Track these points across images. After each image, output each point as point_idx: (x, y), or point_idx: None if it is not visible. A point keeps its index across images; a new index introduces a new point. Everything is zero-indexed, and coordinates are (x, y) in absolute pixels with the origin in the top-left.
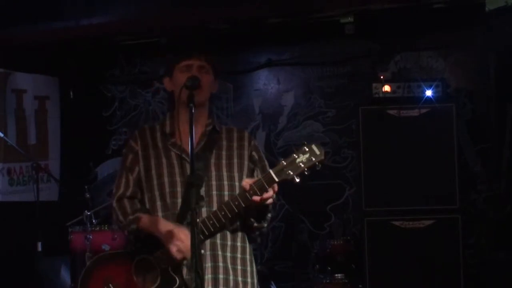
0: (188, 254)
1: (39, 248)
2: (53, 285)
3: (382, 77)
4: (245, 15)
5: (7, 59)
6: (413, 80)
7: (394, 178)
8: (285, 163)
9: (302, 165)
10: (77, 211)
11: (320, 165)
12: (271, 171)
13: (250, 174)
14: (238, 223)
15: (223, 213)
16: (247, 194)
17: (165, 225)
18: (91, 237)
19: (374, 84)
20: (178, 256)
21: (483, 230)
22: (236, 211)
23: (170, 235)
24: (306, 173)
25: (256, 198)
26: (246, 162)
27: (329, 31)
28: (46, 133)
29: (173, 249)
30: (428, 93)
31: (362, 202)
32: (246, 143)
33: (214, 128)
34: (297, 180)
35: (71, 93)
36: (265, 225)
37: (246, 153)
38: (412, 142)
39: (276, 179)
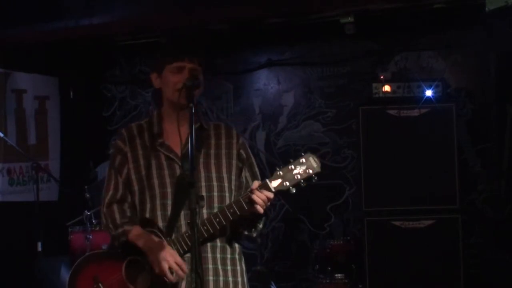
0: (172, 276)
1: (39, 248)
2: (53, 285)
3: (382, 77)
4: (245, 15)
5: (7, 59)
6: (413, 80)
7: (394, 178)
8: (281, 173)
9: (299, 177)
10: (77, 211)
11: (316, 177)
12: (268, 181)
13: (239, 173)
14: (227, 226)
15: (217, 219)
16: (243, 203)
17: (151, 244)
18: (91, 237)
19: (374, 84)
20: (160, 274)
21: (483, 230)
22: (231, 219)
23: (156, 256)
24: (302, 184)
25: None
26: (234, 162)
27: (329, 31)
28: (46, 133)
29: (156, 269)
30: (428, 93)
31: (362, 202)
32: (234, 141)
33: (201, 126)
34: (293, 191)
35: (71, 93)
36: (255, 235)
37: (234, 152)
38: (412, 142)
39: (273, 190)
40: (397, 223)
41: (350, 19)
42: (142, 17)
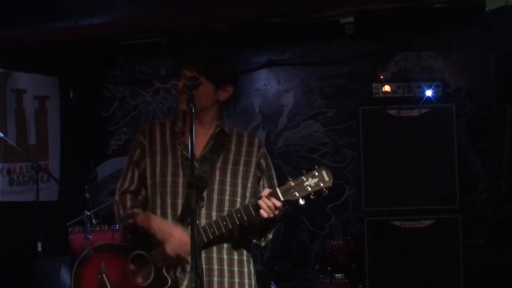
0: (183, 253)
1: (39, 248)
2: (53, 285)
3: (382, 77)
4: (245, 15)
5: (7, 59)
6: (413, 80)
7: (394, 178)
8: (292, 184)
9: (309, 189)
10: (77, 211)
11: (327, 191)
12: (277, 190)
13: (256, 182)
14: (235, 230)
15: (224, 223)
16: (251, 209)
17: (161, 223)
18: (91, 237)
19: (374, 84)
20: (172, 254)
21: (483, 230)
22: (238, 223)
23: (166, 233)
24: (312, 197)
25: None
26: (252, 170)
27: (329, 31)
28: (46, 133)
29: (168, 247)
30: (428, 93)
31: (362, 202)
32: (255, 149)
33: (222, 130)
34: (302, 202)
35: (71, 93)
36: (263, 244)
37: (254, 160)
38: (412, 142)
39: (282, 199)
40: (397, 223)
41: (350, 19)
42: (142, 17)
